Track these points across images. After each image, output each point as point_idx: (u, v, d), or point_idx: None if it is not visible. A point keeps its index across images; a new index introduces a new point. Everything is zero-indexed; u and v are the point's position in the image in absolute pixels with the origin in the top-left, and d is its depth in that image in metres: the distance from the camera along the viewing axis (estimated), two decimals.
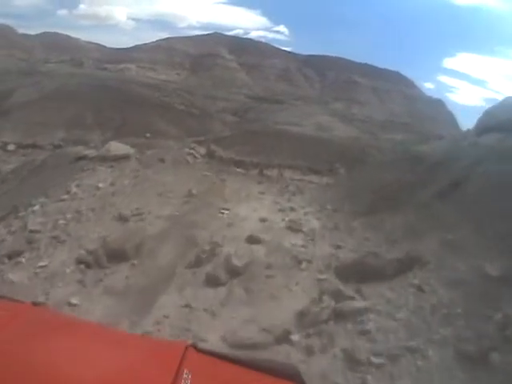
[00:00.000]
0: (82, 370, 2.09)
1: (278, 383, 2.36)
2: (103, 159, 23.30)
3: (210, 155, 31.58)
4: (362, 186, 21.63)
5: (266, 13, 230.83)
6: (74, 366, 2.12)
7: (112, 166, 22.69)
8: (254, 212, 19.22)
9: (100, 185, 20.26)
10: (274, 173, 33.60)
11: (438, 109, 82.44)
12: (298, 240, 16.46)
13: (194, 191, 20.30)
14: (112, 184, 20.57)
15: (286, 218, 18.98)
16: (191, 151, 28.97)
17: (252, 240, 15.87)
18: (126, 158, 23.79)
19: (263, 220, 18.33)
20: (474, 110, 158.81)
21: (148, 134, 38.49)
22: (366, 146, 45.17)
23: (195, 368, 2.18)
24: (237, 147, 36.91)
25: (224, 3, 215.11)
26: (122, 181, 21.00)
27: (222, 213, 18.71)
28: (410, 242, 15.38)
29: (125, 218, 17.07)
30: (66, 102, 41.19)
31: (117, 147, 24.66)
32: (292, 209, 20.72)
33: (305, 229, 17.65)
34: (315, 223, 18.61)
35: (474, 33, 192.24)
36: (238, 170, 30.04)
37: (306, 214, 20.11)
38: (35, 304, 3.24)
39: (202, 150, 31.44)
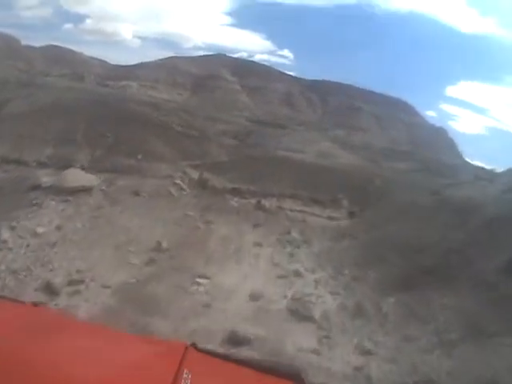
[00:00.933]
0: (82, 369, 1.98)
1: (278, 383, 2.27)
2: (58, 191, 17.09)
3: (202, 184, 25.82)
4: (389, 242, 15.28)
5: (270, 36, 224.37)
6: (74, 366, 2.01)
7: (67, 201, 16.53)
8: (244, 281, 12.94)
9: (40, 230, 14.09)
10: (272, 203, 28.44)
11: (440, 137, 76.78)
12: (306, 338, 10.21)
13: (165, 244, 14.18)
14: (58, 228, 14.43)
15: (289, 293, 12.67)
16: (178, 181, 22.87)
17: (238, 340, 9.58)
18: (87, 190, 17.59)
19: (257, 296, 12.08)
20: (476, 138, 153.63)
21: (139, 156, 32.68)
22: (371, 175, 39.98)
23: (195, 368, 2.08)
24: (234, 173, 32.12)
25: (230, 25, 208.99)
26: (74, 223, 14.91)
27: (198, 283, 12.36)
28: (475, 349, 9.23)
29: (55, 289, 10.96)
30: (59, 116, 35.18)
31: (76, 176, 18.56)
32: (297, 273, 14.37)
33: (316, 314, 11.42)
34: (329, 302, 12.36)
35: (477, 61, 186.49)
36: (233, 202, 23.98)
37: (316, 283, 13.78)
38: (35, 304, 3.06)
39: (193, 177, 25.64)
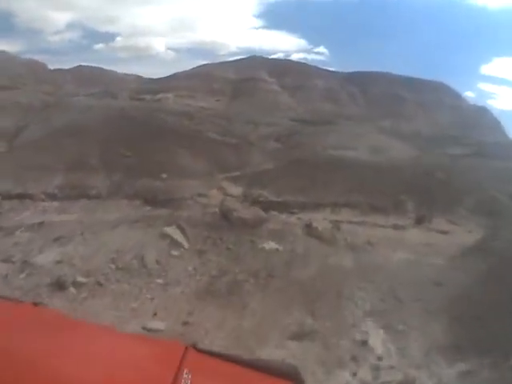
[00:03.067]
0: (82, 369, 1.82)
1: (278, 383, 2.05)
2: None
3: (225, 216, 16.88)
4: None
5: (304, 35, 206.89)
6: (74, 366, 1.84)
7: None
8: None
9: None
10: (326, 216, 21.75)
11: (483, 117, 64.93)
12: None
13: None
14: None
15: None
16: (170, 230, 12.95)
17: None
18: None
19: None
20: None
21: (164, 175, 24.54)
22: (429, 166, 31.40)
23: (195, 368, 1.90)
24: (279, 183, 25.08)
25: (262, 27, 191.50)
26: None
27: None
28: None
29: None
30: (74, 137, 27.67)
31: None
32: None
33: None
34: None
35: (507, 36, 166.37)
36: (266, 245, 15.23)
37: None
38: (35, 304, 2.80)
39: (206, 217, 16.79)
